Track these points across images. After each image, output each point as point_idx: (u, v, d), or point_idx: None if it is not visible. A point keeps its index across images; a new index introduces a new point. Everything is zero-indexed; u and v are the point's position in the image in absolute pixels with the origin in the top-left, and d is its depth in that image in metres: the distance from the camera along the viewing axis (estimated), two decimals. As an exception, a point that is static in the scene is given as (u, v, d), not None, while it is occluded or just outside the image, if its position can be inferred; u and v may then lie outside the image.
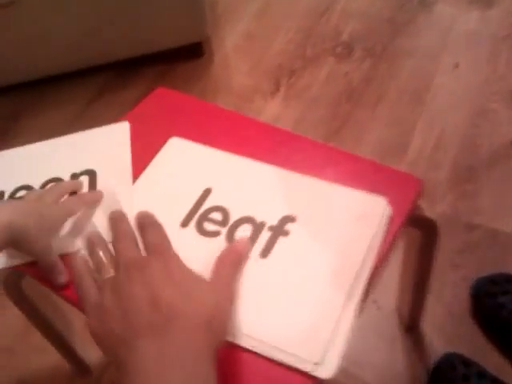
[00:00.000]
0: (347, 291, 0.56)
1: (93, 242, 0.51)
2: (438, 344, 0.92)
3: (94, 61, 1.43)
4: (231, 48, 1.58)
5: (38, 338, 0.85)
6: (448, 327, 0.94)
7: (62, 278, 0.59)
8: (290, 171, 0.67)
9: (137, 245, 0.49)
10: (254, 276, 0.58)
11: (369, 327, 0.96)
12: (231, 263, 0.53)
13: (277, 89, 1.42)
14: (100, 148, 0.75)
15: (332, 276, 0.57)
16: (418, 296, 0.88)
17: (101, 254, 0.49)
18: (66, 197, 0.65)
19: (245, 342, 0.53)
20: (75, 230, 0.64)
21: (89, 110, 1.45)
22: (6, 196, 0.70)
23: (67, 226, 0.63)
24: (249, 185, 0.67)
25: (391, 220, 0.62)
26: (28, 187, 0.71)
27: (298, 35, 1.57)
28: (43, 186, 0.70)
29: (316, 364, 0.50)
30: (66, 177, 0.71)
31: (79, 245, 0.62)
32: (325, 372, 0.50)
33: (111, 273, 0.46)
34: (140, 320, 0.40)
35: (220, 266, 0.51)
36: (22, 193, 0.70)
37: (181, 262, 0.47)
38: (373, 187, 0.64)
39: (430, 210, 1.11)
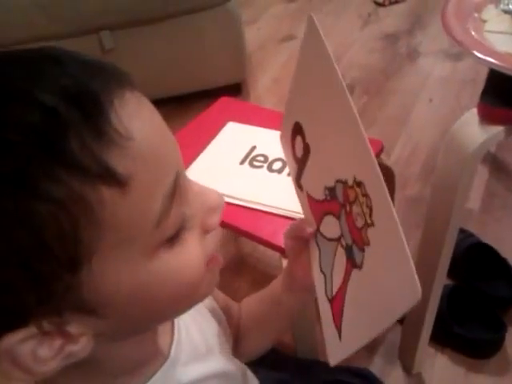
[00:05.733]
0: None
1: None
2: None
3: (160, 93, 1.94)
4: (262, 88, 2.08)
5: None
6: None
7: None
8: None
9: None
10: (285, 186, 1.03)
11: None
12: None
13: (296, 116, 1.91)
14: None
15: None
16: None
17: None
18: None
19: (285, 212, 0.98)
20: None
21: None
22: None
23: None
24: (277, 142, 1.13)
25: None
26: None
27: (313, 80, 2.07)
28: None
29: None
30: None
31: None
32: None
33: None
34: None
35: None
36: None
37: None
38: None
39: (403, 194, 1.56)
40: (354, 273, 0.47)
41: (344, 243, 0.49)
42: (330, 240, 0.53)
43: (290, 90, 0.58)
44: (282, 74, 2.13)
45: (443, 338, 1.19)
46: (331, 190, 0.50)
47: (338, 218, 0.50)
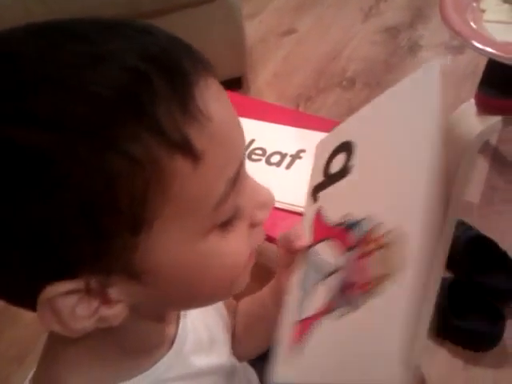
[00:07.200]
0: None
1: None
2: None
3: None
4: (263, 82, 2.07)
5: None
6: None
7: None
8: (301, 129, 1.13)
9: None
10: (283, 179, 1.03)
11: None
12: None
13: (296, 109, 1.90)
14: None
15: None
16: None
17: None
18: None
19: (284, 205, 0.98)
20: None
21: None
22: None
23: None
24: (276, 135, 1.13)
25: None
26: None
27: (314, 73, 2.07)
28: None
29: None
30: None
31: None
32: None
33: None
34: None
35: None
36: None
37: None
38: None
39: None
40: (345, 309, 0.42)
41: (341, 277, 0.45)
42: (326, 264, 0.48)
43: (363, 108, 0.56)
44: (282, 69, 2.13)
45: (442, 331, 1.19)
46: (353, 222, 0.46)
47: (347, 250, 0.46)
